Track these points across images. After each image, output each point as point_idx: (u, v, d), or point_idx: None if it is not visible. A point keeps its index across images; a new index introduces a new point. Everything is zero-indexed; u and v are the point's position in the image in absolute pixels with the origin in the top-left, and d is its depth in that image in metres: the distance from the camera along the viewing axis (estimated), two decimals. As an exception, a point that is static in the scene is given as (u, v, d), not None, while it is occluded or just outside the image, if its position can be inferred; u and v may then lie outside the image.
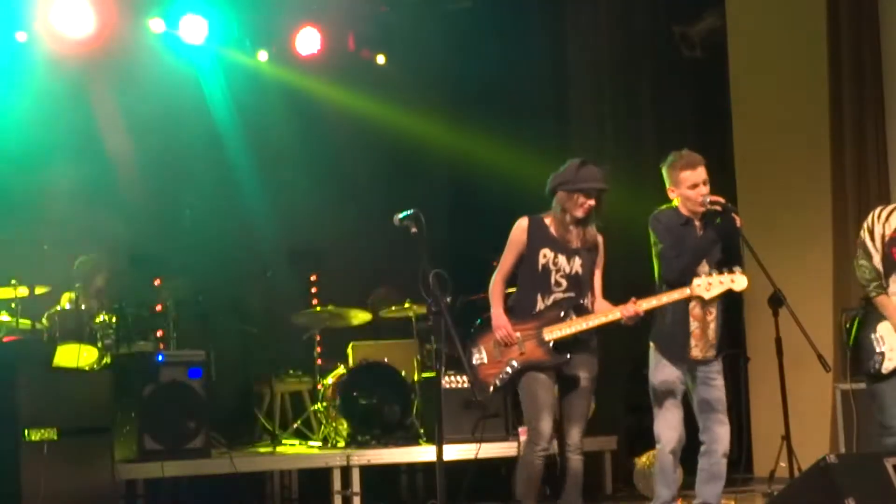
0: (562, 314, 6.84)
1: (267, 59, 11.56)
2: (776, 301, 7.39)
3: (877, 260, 7.13)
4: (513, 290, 7.12)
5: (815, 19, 10.27)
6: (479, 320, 7.05)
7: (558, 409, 7.00)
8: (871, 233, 7.17)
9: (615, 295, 7.01)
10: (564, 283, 6.90)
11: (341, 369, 10.21)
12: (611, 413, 10.43)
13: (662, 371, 7.11)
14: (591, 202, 6.89)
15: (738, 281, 6.76)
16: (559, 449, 6.99)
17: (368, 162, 11.47)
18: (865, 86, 9.97)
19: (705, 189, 7.00)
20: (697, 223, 7.06)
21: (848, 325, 7.42)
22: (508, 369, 6.83)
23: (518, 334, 6.85)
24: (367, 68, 11.82)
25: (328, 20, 11.44)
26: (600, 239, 7.04)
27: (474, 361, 6.88)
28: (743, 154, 10.92)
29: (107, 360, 9.29)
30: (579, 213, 6.90)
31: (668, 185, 7.12)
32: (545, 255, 6.91)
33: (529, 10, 11.51)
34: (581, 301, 6.90)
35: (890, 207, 7.21)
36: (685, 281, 6.89)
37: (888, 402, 7.06)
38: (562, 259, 6.92)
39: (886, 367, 7.05)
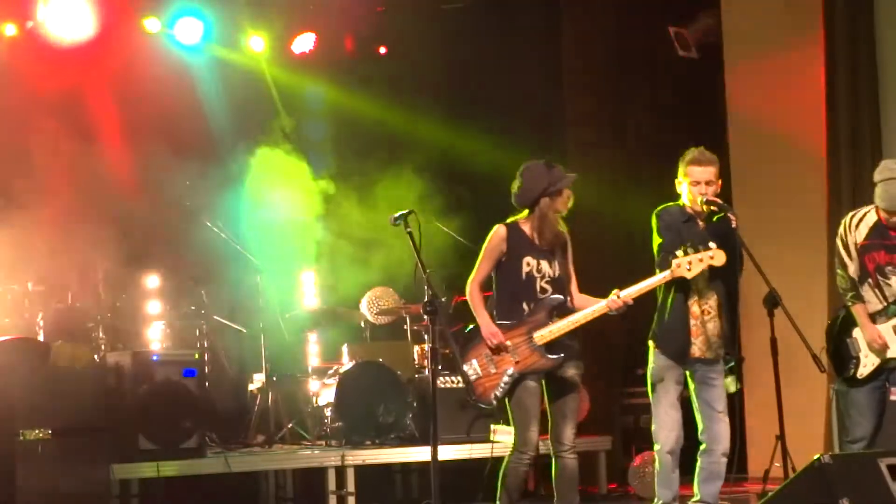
0: (547, 316, 6.81)
1: (263, 57, 11.58)
2: (772, 301, 7.44)
3: (852, 269, 7.32)
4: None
5: (810, 18, 10.31)
6: (467, 329, 7.00)
7: (552, 409, 6.99)
8: (845, 242, 7.35)
9: (620, 286, 6.94)
10: (550, 288, 6.89)
11: (336, 369, 10.18)
12: (606, 413, 10.50)
13: (661, 371, 7.13)
14: (571, 194, 6.92)
15: (717, 256, 6.74)
16: (553, 449, 6.97)
17: (363, 161, 11.43)
18: (861, 86, 10.02)
19: (706, 189, 7.02)
20: (700, 222, 7.09)
21: (828, 331, 7.49)
22: (507, 379, 6.76)
23: (509, 342, 6.80)
24: (363, 67, 11.82)
25: (325, 21, 11.42)
26: (566, 234, 7.05)
27: (470, 377, 6.79)
28: (738, 154, 10.92)
29: (102, 359, 9.27)
30: (564, 209, 6.93)
31: (678, 178, 7.15)
32: (528, 262, 6.89)
33: (525, 10, 11.49)
34: (563, 300, 6.88)
35: (860, 214, 7.35)
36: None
37: (855, 411, 7.30)
38: (544, 265, 6.91)
39: (861, 373, 7.24)
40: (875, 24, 10.05)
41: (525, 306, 6.86)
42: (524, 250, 6.91)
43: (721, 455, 7.11)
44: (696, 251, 6.76)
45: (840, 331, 7.36)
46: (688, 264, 6.74)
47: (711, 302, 7.09)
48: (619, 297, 6.79)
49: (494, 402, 6.82)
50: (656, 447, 7.15)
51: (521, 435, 6.83)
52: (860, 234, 7.30)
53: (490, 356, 6.80)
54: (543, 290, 6.88)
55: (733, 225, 6.92)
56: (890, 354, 7.19)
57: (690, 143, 7.25)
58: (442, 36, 11.71)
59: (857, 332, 7.26)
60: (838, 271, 7.38)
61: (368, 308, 10.69)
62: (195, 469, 8.90)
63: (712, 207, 6.99)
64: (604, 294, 6.94)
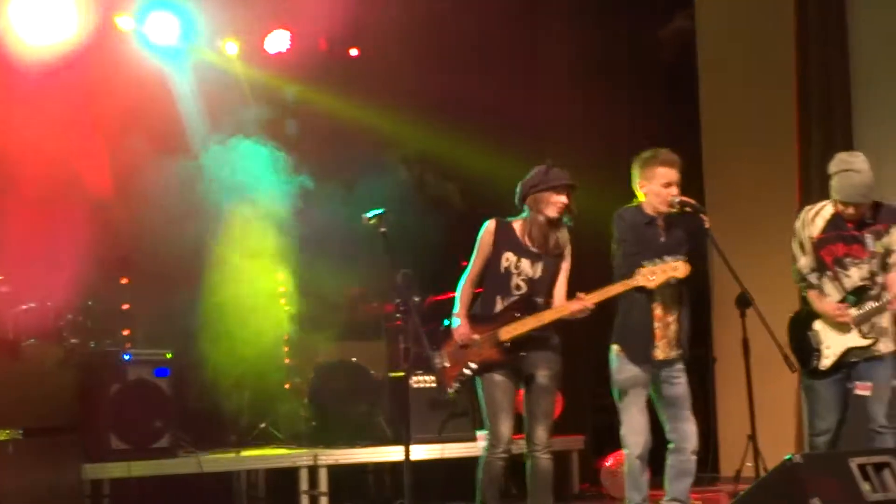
0: (517, 314, 6.87)
1: (236, 56, 11.53)
2: (743, 302, 7.46)
3: (803, 262, 7.33)
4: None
5: (782, 20, 10.34)
6: (445, 322, 7.06)
7: (525, 409, 7.02)
8: (800, 237, 7.35)
9: (593, 287, 6.93)
10: (525, 286, 6.93)
11: (310, 368, 10.15)
12: (578, 413, 10.48)
13: (626, 375, 7.11)
14: (563, 199, 6.90)
15: (679, 268, 6.76)
16: (527, 448, 6.99)
17: (338, 160, 11.41)
18: (833, 86, 10.06)
19: (676, 190, 7.02)
20: (661, 222, 7.08)
21: (790, 325, 7.48)
22: (466, 371, 6.88)
23: (476, 336, 6.88)
24: (338, 67, 11.79)
25: (299, 20, 11.41)
26: (569, 246, 7.05)
27: (437, 365, 6.92)
28: (712, 155, 11.00)
29: (73, 358, 9.21)
30: (553, 213, 6.92)
31: (638, 180, 7.11)
32: (508, 258, 6.95)
33: (501, 12, 11.48)
34: (536, 300, 6.92)
35: (817, 207, 7.35)
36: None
37: (818, 405, 7.30)
38: (525, 263, 6.95)
39: (823, 364, 7.23)
40: (847, 25, 10.09)
41: (499, 300, 6.94)
42: (508, 246, 6.96)
43: (691, 453, 7.10)
44: (663, 262, 6.78)
45: (801, 324, 7.36)
46: (651, 275, 6.76)
47: (673, 303, 7.09)
48: (581, 298, 6.80)
49: (451, 391, 6.94)
50: (625, 451, 7.14)
51: (491, 429, 6.90)
52: (816, 228, 7.29)
53: (458, 348, 6.90)
54: (518, 288, 6.93)
55: (706, 226, 6.93)
56: (849, 343, 7.18)
57: (664, 145, 7.23)
58: (418, 35, 11.69)
59: (817, 325, 7.27)
60: (793, 265, 7.40)
61: (343, 307, 10.65)
62: (167, 469, 8.86)
63: (686, 209, 6.98)
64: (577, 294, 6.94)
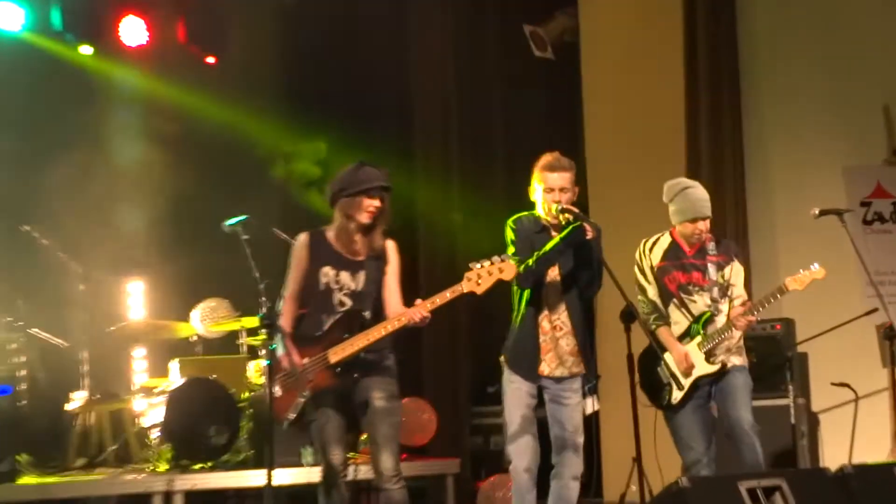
0: (345, 335, 6.49)
1: (92, 51, 11.20)
2: (628, 316, 7.37)
3: (651, 293, 7.33)
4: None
5: (670, 18, 10.36)
6: (272, 346, 6.61)
7: (368, 438, 6.69)
8: (641, 267, 7.41)
9: (469, 301, 6.67)
10: (349, 301, 6.59)
11: (164, 387, 9.76)
12: (454, 435, 10.38)
13: (513, 387, 6.91)
14: (376, 203, 6.55)
15: (505, 270, 6.34)
16: (375, 481, 6.62)
17: (197, 164, 11.02)
18: (721, 85, 10.15)
19: (560, 196, 6.76)
20: (554, 232, 6.83)
21: (639, 362, 7.42)
22: (301, 400, 6.49)
23: (306, 360, 6.51)
24: (197, 64, 11.51)
25: (155, 9, 11.16)
26: (390, 244, 6.71)
27: (275, 394, 6.51)
28: (594, 156, 10.89)
29: None
30: (365, 218, 6.56)
31: (532, 184, 6.91)
32: (326, 273, 6.61)
33: (371, 5, 11.26)
34: (364, 314, 6.55)
35: (654, 238, 7.41)
36: (538, 287, 6.81)
37: (683, 433, 7.25)
38: (345, 276, 6.63)
39: (675, 398, 7.21)
40: (736, 19, 10.19)
41: (324, 319, 6.57)
42: (324, 260, 6.63)
43: (571, 479, 6.92)
44: (491, 263, 6.35)
45: (649, 360, 7.28)
46: (477, 278, 6.32)
47: (563, 317, 6.88)
48: (417, 306, 6.42)
49: (285, 425, 6.55)
50: (511, 466, 6.90)
51: (323, 460, 6.59)
52: (655, 258, 7.33)
53: (289, 375, 6.51)
54: (342, 304, 6.59)
55: (589, 235, 6.67)
56: (696, 373, 7.14)
57: (545, 149, 7.01)
58: (281, 31, 11.48)
59: (666, 357, 7.21)
60: (639, 297, 7.35)
61: (200, 320, 10.30)
62: (8, 495, 8.52)
63: (568, 216, 6.72)
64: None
